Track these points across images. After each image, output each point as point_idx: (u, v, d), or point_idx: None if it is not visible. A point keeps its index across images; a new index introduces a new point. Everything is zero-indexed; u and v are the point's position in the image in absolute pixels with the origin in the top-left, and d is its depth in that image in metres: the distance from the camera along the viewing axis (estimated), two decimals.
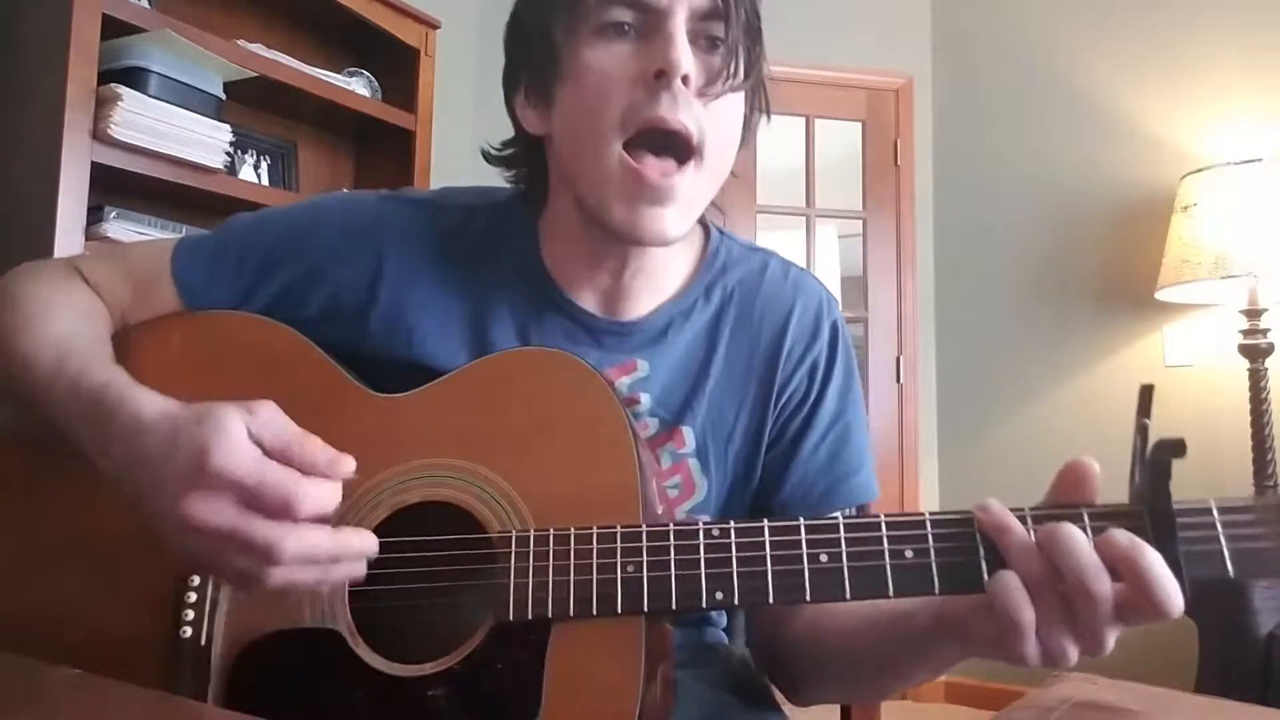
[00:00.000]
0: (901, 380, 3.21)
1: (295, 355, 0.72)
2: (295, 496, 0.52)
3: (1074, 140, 3.00)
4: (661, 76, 0.66)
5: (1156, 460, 0.53)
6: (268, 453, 0.55)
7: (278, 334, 0.73)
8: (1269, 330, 2.42)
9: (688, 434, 0.78)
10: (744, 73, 0.70)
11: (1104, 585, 0.51)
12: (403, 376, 0.70)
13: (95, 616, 0.65)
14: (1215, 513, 0.53)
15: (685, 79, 0.66)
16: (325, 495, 0.54)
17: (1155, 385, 0.56)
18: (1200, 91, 2.78)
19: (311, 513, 0.53)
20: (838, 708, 0.96)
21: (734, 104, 0.71)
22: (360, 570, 0.57)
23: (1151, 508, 0.53)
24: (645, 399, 0.77)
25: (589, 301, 0.78)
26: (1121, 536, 0.51)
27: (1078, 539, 0.51)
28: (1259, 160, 2.42)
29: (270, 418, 0.56)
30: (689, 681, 0.76)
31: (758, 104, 0.76)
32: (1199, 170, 2.50)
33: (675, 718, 0.69)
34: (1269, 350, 2.42)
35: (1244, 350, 2.44)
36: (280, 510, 0.52)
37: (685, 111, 0.67)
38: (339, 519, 0.65)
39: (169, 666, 0.62)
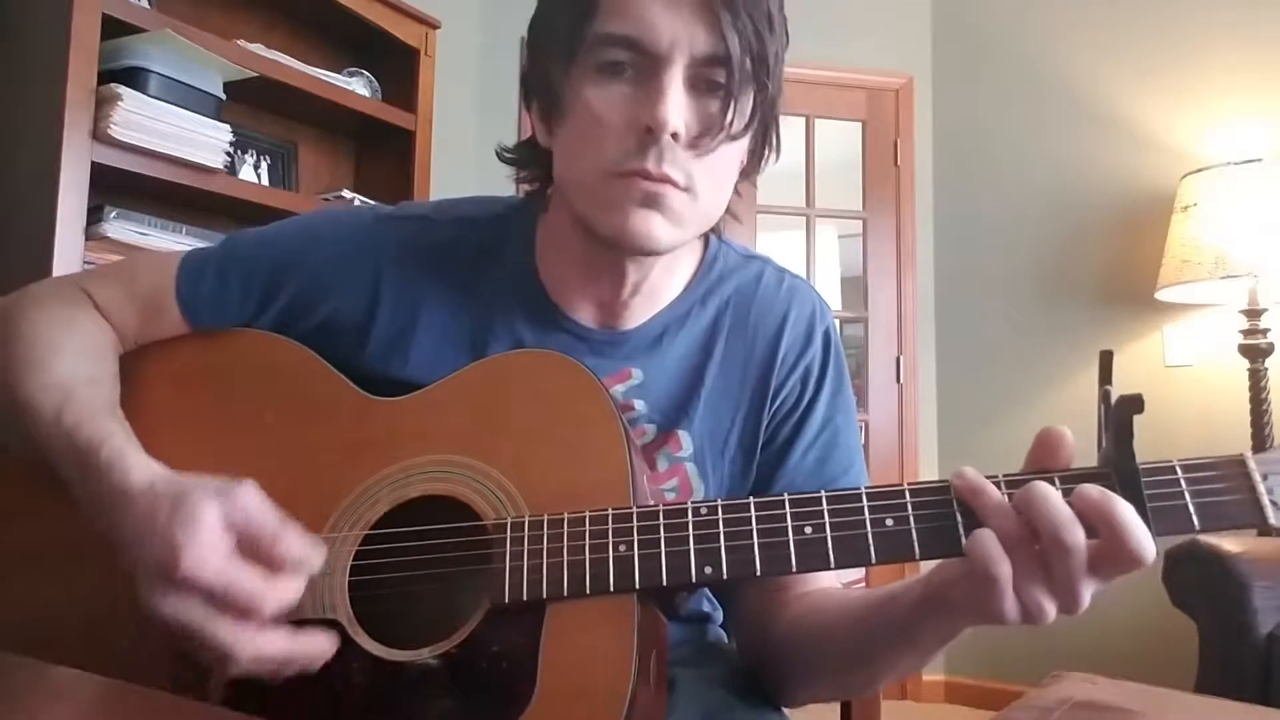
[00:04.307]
0: (901, 380, 3.20)
1: (298, 365, 0.74)
2: (258, 602, 0.55)
3: (1074, 140, 3.00)
4: (650, 132, 0.65)
5: (1118, 418, 0.55)
6: (241, 538, 0.57)
7: (281, 347, 0.76)
8: (1269, 330, 2.42)
9: (684, 438, 0.78)
10: (743, 123, 0.69)
11: (1077, 535, 0.52)
12: (401, 394, 0.71)
13: (97, 617, 0.66)
14: (1179, 470, 0.56)
15: (675, 135, 0.65)
16: (288, 596, 0.57)
17: (1114, 351, 0.59)
18: (1200, 91, 2.78)
19: (274, 614, 0.56)
20: (838, 708, 0.96)
21: (728, 151, 0.70)
22: (316, 664, 0.59)
23: (1117, 466, 0.55)
24: (640, 405, 0.78)
25: (585, 314, 0.79)
26: (1092, 490, 0.53)
27: (1050, 493, 0.53)
28: (1259, 160, 2.42)
29: (247, 506, 0.57)
30: (689, 680, 0.76)
31: (768, 141, 0.75)
32: (1199, 170, 2.50)
33: (674, 716, 0.69)
34: (1269, 350, 2.42)
35: (1244, 350, 2.44)
36: (243, 614, 0.55)
37: (671, 164, 0.66)
38: (337, 519, 0.66)
39: (171, 664, 0.63)
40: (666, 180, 0.66)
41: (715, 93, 0.68)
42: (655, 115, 0.65)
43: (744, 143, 0.72)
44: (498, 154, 0.83)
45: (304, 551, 0.58)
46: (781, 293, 0.84)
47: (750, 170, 0.77)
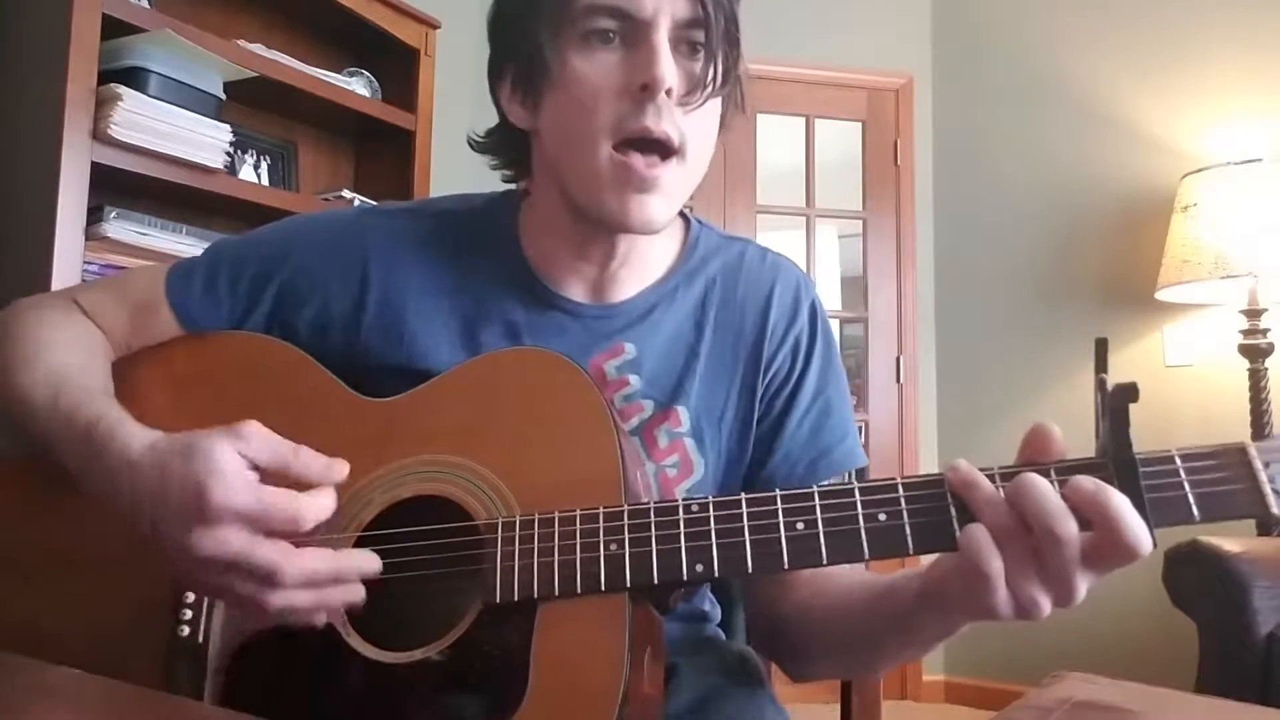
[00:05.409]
0: (901, 380, 3.20)
1: (290, 367, 0.74)
2: (298, 515, 0.55)
3: (1074, 140, 3.00)
4: (646, 90, 0.69)
5: (1114, 407, 0.54)
6: (264, 472, 0.57)
7: (273, 349, 0.76)
8: (1269, 330, 2.42)
9: (683, 413, 0.79)
10: (723, 79, 0.73)
11: (1069, 527, 0.51)
12: (399, 383, 0.71)
13: (96, 618, 0.66)
14: (1178, 460, 0.54)
15: (668, 91, 0.69)
16: (326, 505, 0.58)
17: (1108, 338, 0.57)
18: (1200, 91, 2.78)
19: (314, 524, 0.56)
20: (838, 707, 0.97)
21: (712, 107, 0.74)
22: (358, 594, 0.59)
23: (1114, 456, 0.54)
24: (635, 380, 0.79)
25: (576, 291, 0.81)
26: (1086, 481, 0.52)
27: (1041, 485, 0.52)
28: (1259, 160, 2.42)
29: (259, 438, 0.58)
30: (684, 670, 0.77)
31: (734, 101, 0.78)
32: (1199, 170, 2.50)
33: (670, 702, 0.69)
34: (1269, 350, 2.42)
35: (1244, 350, 2.44)
36: (287, 530, 0.55)
37: (668, 120, 0.70)
38: (329, 522, 0.66)
39: (168, 665, 0.63)
40: (665, 139, 0.70)
41: (695, 54, 0.72)
42: (651, 73, 0.68)
43: (719, 104, 0.76)
44: (470, 143, 0.85)
45: (325, 464, 0.59)
46: (765, 269, 0.86)
47: (721, 131, 0.79)
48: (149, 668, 0.63)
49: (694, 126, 0.72)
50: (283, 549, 0.55)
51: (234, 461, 0.56)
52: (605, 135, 0.70)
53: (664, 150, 0.71)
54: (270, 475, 0.57)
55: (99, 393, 0.68)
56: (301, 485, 0.58)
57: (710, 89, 0.72)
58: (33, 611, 0.69)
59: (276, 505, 0.55)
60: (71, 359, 0.71)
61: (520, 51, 0.75)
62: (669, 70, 0.69)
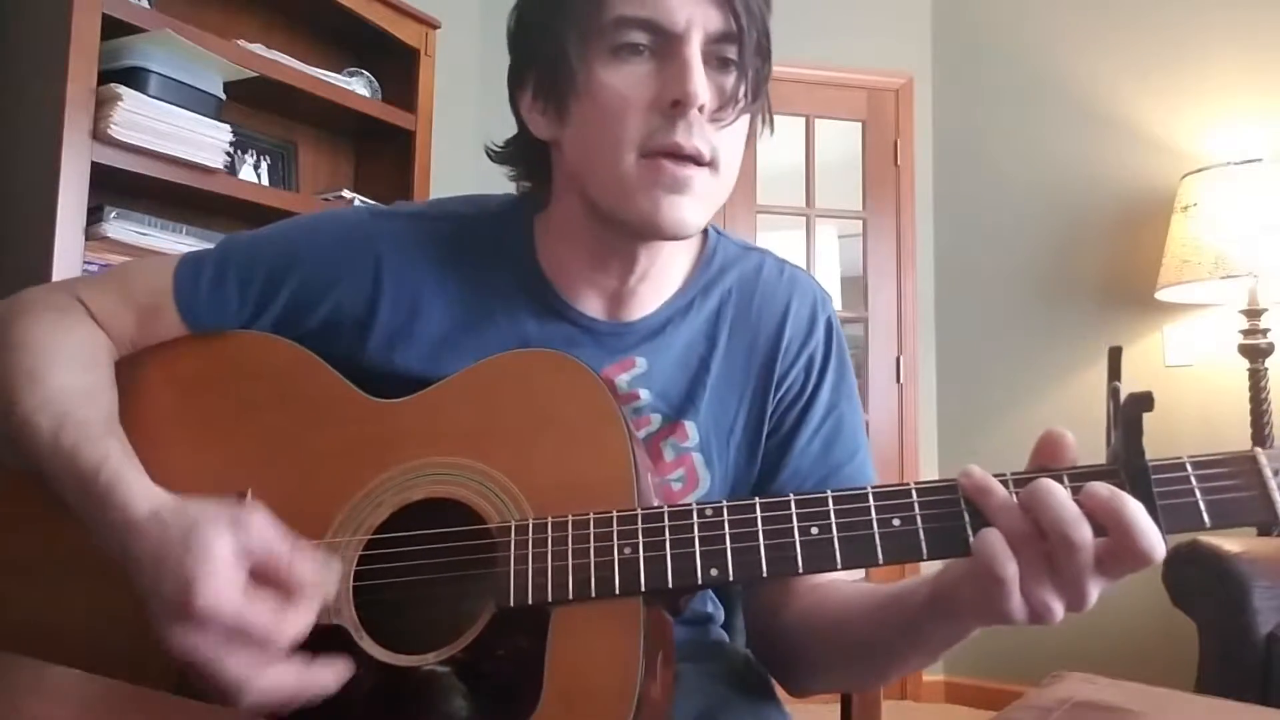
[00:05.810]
0: (901, 380, 3.21)
1: (297, 367, 0.73)
2: (273, 636, 0.55)
3: (1074, 140, 3.00)
4: (678, 106, 0.67)
5: (1128, 415, 0.55)
6: (256, 567, 0.57)
7: (280, 348, 0.75)
8: (1269, 330, 2.43)
9: (690, 428, 0.79)
10: (754, 95, 0.71)
11: (1084, 533, 0.52)
12: (407, 386, 0.71)
13: (106, 622, 0.66)
14: (1189, 467, 0.55)
15: (700, 107, 0.68)
16: (302, 625, 0.57)
17: (1122, 347, 0.58)
18: (1200, 91, 2.78)
19: (289, 645, 0.56)
20: (839, 707, 0.97)
21: (741, 121, 0.73)
22: (327, 694, 0.58)
23: (1127, 463, 0.55)
24: (645, 394, 0.78)
25: (591, 305, 0.79)
26: (1101, 488, 0.53)
27: (1056, 491, 0.53)
28: (1259, 160, 2.42)
29: (260, 532, 0.57)
30: (690, 675, 0.76)
31: (762, 116, 0.77)
32: (1199, 170, 2.50)
33: (677, 710, 0.69)
34: (1269, 350, 2.42)
35: (1244, 350, 2.44)
36: (258, 648, 0.55)
37: (699, 136, 0.68)
38: (341, 523, 0.65)
39: (179, 670, 0.63)
40: (697, 155, 0.68)
41: (726, 69, 0.70)
42: (685, 89, 0.67)
43: (748, 119, 0.74)
44: (489, 153, 0.83)
45: (318, 576, 0.58)
46: (783, 283, 0.85)
47: (747, 145, 0.78)
48: (160, 672, 0.62)
49: (725, 142, 0.70)
50: (249, 667, 0.55)
51: (228, 560, 0.55)
52: (632, 148, 0.69)
53: (695, 161, 0.69)
54: (262, 572, 0.57)
55: (102, 428, 0.66)
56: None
57: (742, 105, 0.70)
58: (43, 615, 0.69)
59: (257, 623, 0.55)
60: (75, 379, 0.69)
61: (544, 61, 0.73)
62: (702, 86, 0.67)
